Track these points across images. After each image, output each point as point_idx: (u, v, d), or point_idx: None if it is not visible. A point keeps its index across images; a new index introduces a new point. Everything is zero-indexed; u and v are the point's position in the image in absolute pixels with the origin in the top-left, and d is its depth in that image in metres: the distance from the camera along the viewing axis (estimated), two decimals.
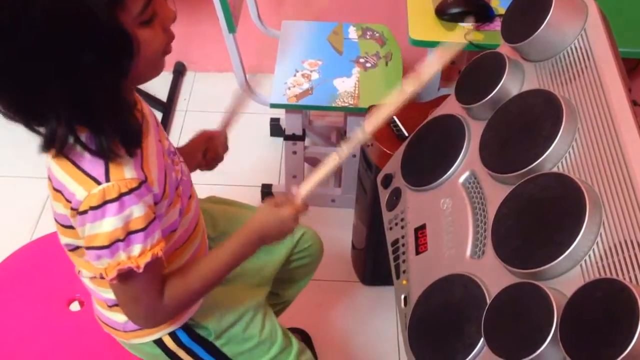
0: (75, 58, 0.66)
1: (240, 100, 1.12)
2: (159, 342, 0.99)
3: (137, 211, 0.76)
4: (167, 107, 2.15)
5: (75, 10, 0.64)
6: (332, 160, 0.93)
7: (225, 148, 1.11)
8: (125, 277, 0.80)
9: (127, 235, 0.77)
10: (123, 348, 1.04)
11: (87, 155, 0.75)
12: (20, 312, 1.11)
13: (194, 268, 0.90)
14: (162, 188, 0.82)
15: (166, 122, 2.11)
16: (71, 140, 0.73)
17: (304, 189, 0.94)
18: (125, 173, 0.76)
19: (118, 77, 0.71)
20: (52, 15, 0.64)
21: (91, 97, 0.70)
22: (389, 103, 0.93)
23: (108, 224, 0.75)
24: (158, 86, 2.16)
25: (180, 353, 1.01)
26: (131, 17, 0.70)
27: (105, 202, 0.75)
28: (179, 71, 2.29)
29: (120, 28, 0.68)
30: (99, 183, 0.74)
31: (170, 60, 2.39)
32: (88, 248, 0.78)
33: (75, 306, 1.14)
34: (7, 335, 1.08)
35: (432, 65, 0.89)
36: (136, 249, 0.78)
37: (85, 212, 0.75)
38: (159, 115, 2.09)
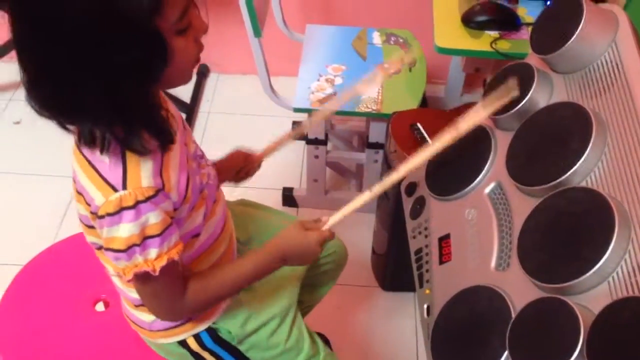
0: (111, 58, 0.68)
1: (293, 134, 1.14)
2: (183, 343, 1.01)
3: (153, 218, 0.78)
4: (190, 109, 2.17)
5: (117, 14, 0.66)
6: (363, 196, 0.95)
7: (258, 169, 1.14)
8: (142, 278, 0.82)
9: (144, 240, 0.79)
10: (148, 348, 1.05)
11: (106, 162, 0.77)
12: (47, 312, 1.13)
13: (216, 273, 0.92)
14: (182, 194, 0.84)
15: (189, 124, 2.13)
16: (107, 137, 0.75)
17: (333, 219, 0.96)
18: (143, 181, 0.77)
19: (150, 81, 0.73)
20: (93, 17, 0.66)
21: (124, 96, 0.71)
22: (426, 149, 0.94)
23: (125, 230, 0.77)
24: (182, 88, 2.15)
25: (205, 354, 1.02)
26: (168, 25, 0.71)
27: (122, 209, 0.76)
28: (203, 73, 2.30)
29: (158, 34, 0.70)
30: (116, 190, 0.76)
31: None
32: (107, 249, 0.81)
33: (100, 306, 1.16)
34: (34, 335, 1.10)
35: (471, 118, 0.90)
36: (152, 252, 0.80)
37: (103, 217, 0.77)
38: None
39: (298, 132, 1.14)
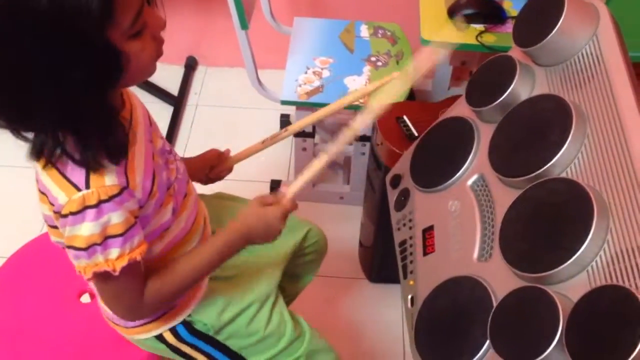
0: (63, 72, 0.66)
1: (269, 142, 1.13)
2: (160, 338, 1.01)
3: (115, 218, 0.78)
4: (178, 102, 2.16)
5: (65, 24, 0.64)
6: (321, 159, 0.94)
7: (229, 172, 1.13)
8: (102, 277, 0.81)
9: (105, 239, 0.78)
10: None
11: (69, 162, 0.76)
12: (32, 304, 1.13)
13: (174, 265, 0.90)
14: (147, 192, 0.83)
15: (177, 117, 2.12)
16: (58, 150, 0.74)
17: (293, 189, 0.95)
18: (106, 180, 0.76)
19: (106, 90, 0.72)
20: (42, 32, 0.64)
21: (78, 109, 0.70)
22: (380, 99, 0.93)
23: (86, 229, 0.77)
24: (169, 80, 2.17)
25: (183, 347, 1.02)
26: (121, 32, 0.69)
27: (85, 208, 0.76)
28: (191, 65, 2.29)
29: (110, 45, 0.68)
30: (79, 189, 0.76)
31: (181, 55, 2.41)
32: (68, 247, 0.80)
33: (86, 298, 1.16)
34: (19, 326, 1.10)
35: (420, 64, 0.89)
36: (114, 252, 0.79)
37: (66, 216, 0.77)
38: (169, 110, 2.11)
39: (273, 141, 1.14)
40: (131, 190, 0.79)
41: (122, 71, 0.70)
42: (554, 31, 0.88)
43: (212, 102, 2.22)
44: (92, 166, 0.75)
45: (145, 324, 0.98)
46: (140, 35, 0.72)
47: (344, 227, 1.78)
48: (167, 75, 2.21)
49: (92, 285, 0.95)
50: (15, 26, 0.64)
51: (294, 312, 1.12)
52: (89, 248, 0.78)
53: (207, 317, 1.02)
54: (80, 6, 0.63)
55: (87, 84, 0.68)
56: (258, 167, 1.94)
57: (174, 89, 2.18)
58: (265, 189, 1.90)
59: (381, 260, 1.64)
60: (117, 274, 0.80)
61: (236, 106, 2.19)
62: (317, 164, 0.95)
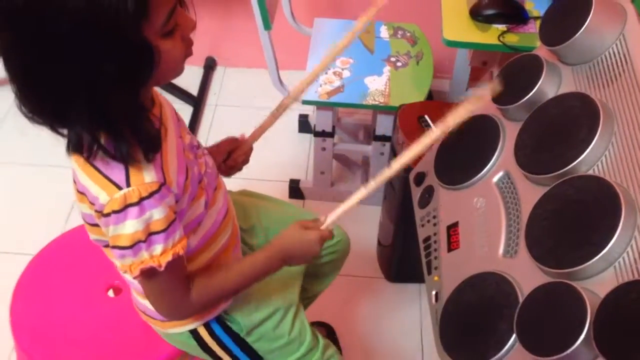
0: (98, 67, 0.68)
1: (277, 113, 1.13)
2: (194, 333, 1.02)
3: (157, 214, 0.79)
4: (198, 102, 2.18)
5: (102, 21, 0.66)
6: (360, 193, 0.96)
7: (246, 160, 1.14)
8: (148, 274, 0.83)
9: (149, 236, 0.80)
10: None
11: (108, 161, 0.77)
12: (60, 299, 1.15)
13: (220, 272, 0.93)
14: (181, 186, 0.85)
15: (196, 116, 2.14)
16: (95, 146, 0.76)
17: (331, 219, 0.97)
18: (145, 177, 0.78)
19: (138, 85, 0.74)
20: (78, 24, 0.65)
21: (111, 104, 0.72)
22: (418, 144, 0.94)
23: (130, 227, 0.78)
24: (189, 80, 2.20)
25: (213, 346, 1.04)
26: (154, 30, 0.71)
27: (127, 206, 0.77)
28: (210, 66, 2.32)
29: (144, 41, 0.70)
30: (120, 188, 0.77)
31: (201, 55, 2.43)
32: (113, 247, 0.82)
33: (112, 293, 1.18)
34: (48, 321, 1.12)
35: (460, 113, 0.90)
36: (158, 248, 0.81)
37: (108, 214, 0.78)
38: (189, 110, 2.13)
39: (280, 111, 1.13)
40: (168, 186, 0.81)
41: (154, 67, 0.72)
42: (581, 30, 0.89)
43: (231, 102, 2.24)
44: (127, 160, 0.76)
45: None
46: (172, 34, 0.74)
47: (362, 226, 1.79)
48: (186, 76, 2.20)
49: (135, 283, 0.96)
50: (54, 23, 0.65)
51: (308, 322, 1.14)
52: (134, 246, 0.79)
53: (240, 315, 1.03)
54: (117, 3, 0.65)
55: (121, 78, 0.70)
56: (277, 167, 1.96)
57: (193, 89, 2.20)
58: (285, 188, 1.91)
59: (400, 260, 1.65)
60: (162, 269, 0.82)
61: (255, 106, 2.20)
62: (356, 197, 0.96)
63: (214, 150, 1.10)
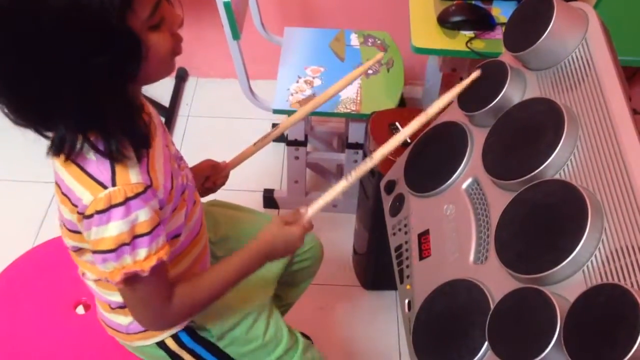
0: (85, 61, 0.67)
1: (259, 144, 1.15)
2: (162, 345, 1.01)
3: (142, 215, 0.77)
4: (170, 112, 2.17)
5: (86, 13, 0.65)
6: (341, 185, 0.97)
7: (224, 182, 1.15)
8: (131, 281, 0.81)
9: (133, 239, 0.78)
10: (127, 350, 1.05)
11: (94, 160, 0.76)
12: (27, 316, 1.12)
13: (203, 277, 0.92)
14: (167, 193, 0.84)
15: (168, 127, 2.12)
16: (79, 144, 0.74)
17: (312, 210, 0.97)
18: (131, 177, 0.77)
19: (127, 79, 0.73)
20: (62, 18, 0.65)
21: (100, 99, 0.71)
22: (399, 134, 0.96)
23: (114, 228, 0.76)
24: (161, 91, 2.18)
25: (183, 354, 1.02)
26: (140, 22, 0.71)
27: (112, 207, 0.76)
28: (181, 76, 2.30)
29: (130, 32, 0.70)
30: (105, 187, 0.75)
31: None
32: (94, 252, 0.79)
33: (81, 309, 1.15)
34: (14, 338, 1.09)
35: (439, 102, 0.93)
36: (142, 252, 0.79)
37: (91, 215, 0.76)
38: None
39: (265, 142, 1.15)
40: (154, 190, 0.80)
41: (142, 60, 0.72)
42: (544, 35, 0.89)
43: (204, 113, 2.23)
44: (116, 157, 0.75)
45: (147, 329, 0.98)
46: (158, 28, 0.74)
47: (337, 234, 1.79)
48: (158, 86, 2.18)
49: (101, 295, 0.95)
50: (38, 16, 0.64)
51: (287, 324, 1.13)
52: (117, 249, 0.77)
53: (210, 323, 1.02)
54: None
55: (109, 71, 0.69)
56: (251, 177, 1.95)
57: (165, 100, 2.19)
58: (259, 198, 1.90)
59: (375, 267, 1.65)
60: (146, 274, 0.79)
61: (227, 116, 2.19)
62: (337, 188, 0.97)
63: (194, 171, 1.09)
